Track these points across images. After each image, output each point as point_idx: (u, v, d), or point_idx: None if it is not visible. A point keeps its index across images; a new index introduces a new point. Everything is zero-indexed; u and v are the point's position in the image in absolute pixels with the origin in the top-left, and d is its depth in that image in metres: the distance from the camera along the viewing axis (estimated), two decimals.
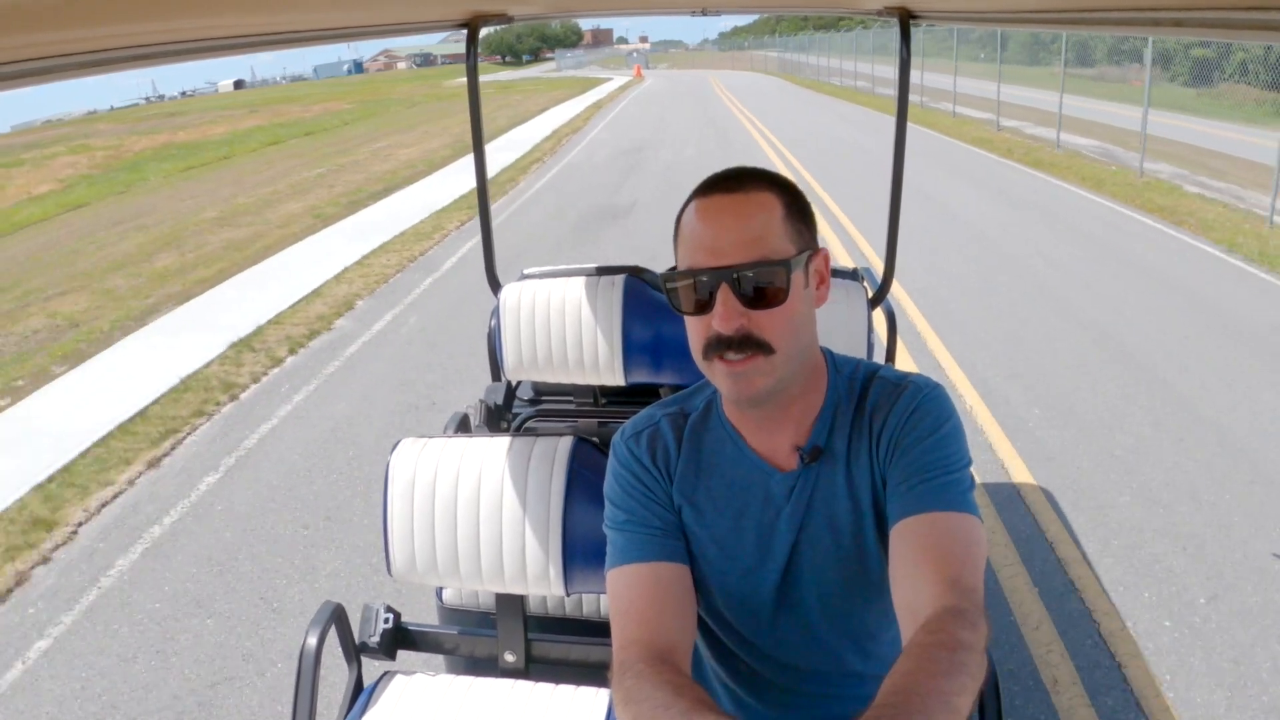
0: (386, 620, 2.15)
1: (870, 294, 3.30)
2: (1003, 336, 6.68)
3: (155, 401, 6.46)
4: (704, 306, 1.24)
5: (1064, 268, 8.58)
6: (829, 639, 1.39)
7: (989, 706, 1.72)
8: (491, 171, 13.90)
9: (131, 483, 5.26)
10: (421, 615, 2.62)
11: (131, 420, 6.13)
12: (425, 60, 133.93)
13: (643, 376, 3.23)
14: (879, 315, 3.36)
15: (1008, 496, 4.46)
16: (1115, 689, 3.14)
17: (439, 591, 2.60)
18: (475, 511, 2.03)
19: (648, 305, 3.21)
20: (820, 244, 1.34)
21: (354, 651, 2.13)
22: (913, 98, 30.56)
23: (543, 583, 2.02)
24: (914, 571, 1.18)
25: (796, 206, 1.29)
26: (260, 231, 13.57)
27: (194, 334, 8.15)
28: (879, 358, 3.31)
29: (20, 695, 3.52)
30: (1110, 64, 19.35)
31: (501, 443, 2.09)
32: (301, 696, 1.91)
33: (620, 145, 20.14)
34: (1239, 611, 3.52)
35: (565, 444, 2.05)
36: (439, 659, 2.42)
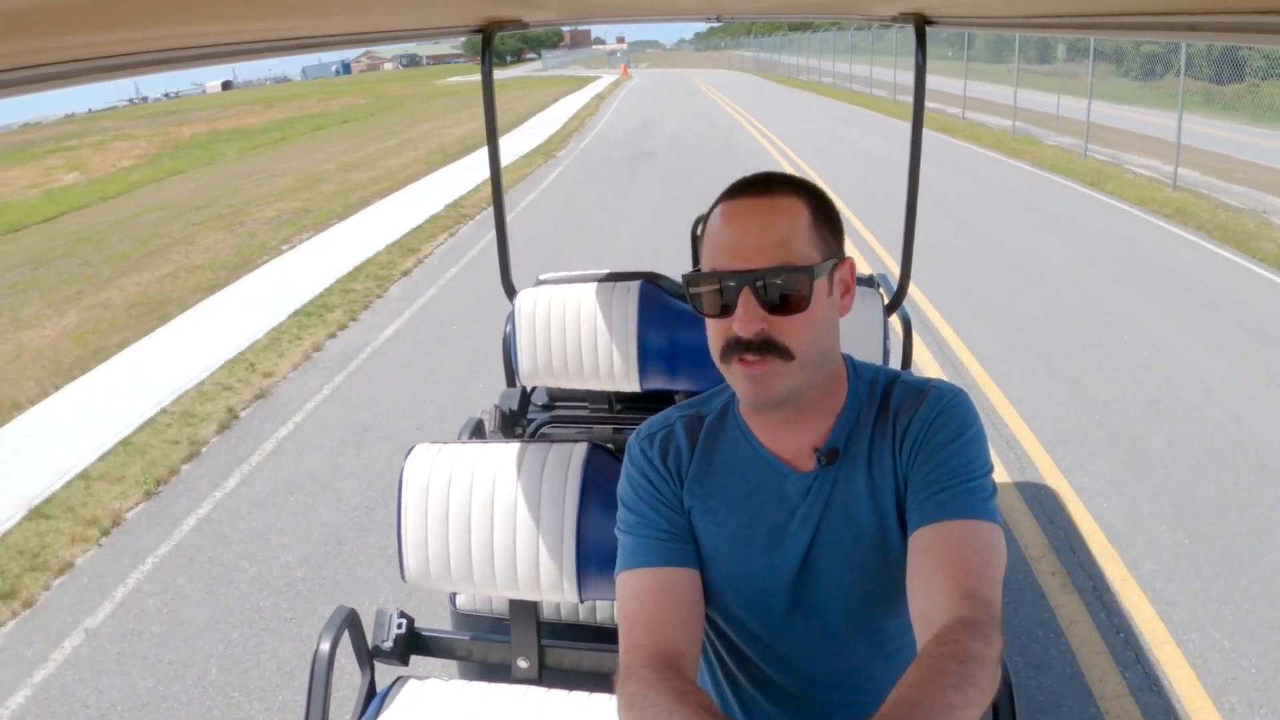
0: (400, 625, 2.14)
1: (886, 300, 3.29)
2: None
3: (407, 234, 12.07)
4: (726, 310, 1.24)
5: (930, 178, 12.65)
6: (849, 643, 1.38)
7: (1004, 716, 1.71)
8: (543, 138, 23.05)
9: (406, 272, 10.12)
10: (434, 621, 2.62)
11: (396, 241, 11.63)
12: (411, 61, 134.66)
13: (658, 383, 3.22)
14: (895, 322, 3.35)
15: None
16: None
17: (452, 597, 2.59)
18: (489, 517, 2.03)
19: (663, 311, 3.20)
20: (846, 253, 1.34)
21: (367, 656, 2.12)
22: (864, 89, 30.66)
23: (556, 589, 2.01)
24: (931, 581, 1.17)
25: (823, 214, 1.29)
26: (389, 172, 18.38)
27: (409, 207, 14.12)
28: (894, 364, 3.30)
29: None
30: (1068, 60, 21.48)
31: (516, 449, 2.08)
32: (314, 701, 1.91)
33: (631, 122, 26.03)
34: None
35: (580, 450, 2.05)
36: (452, 665, 2.41)
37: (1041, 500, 4.43)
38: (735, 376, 1.27)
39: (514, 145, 20.93)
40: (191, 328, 8.61)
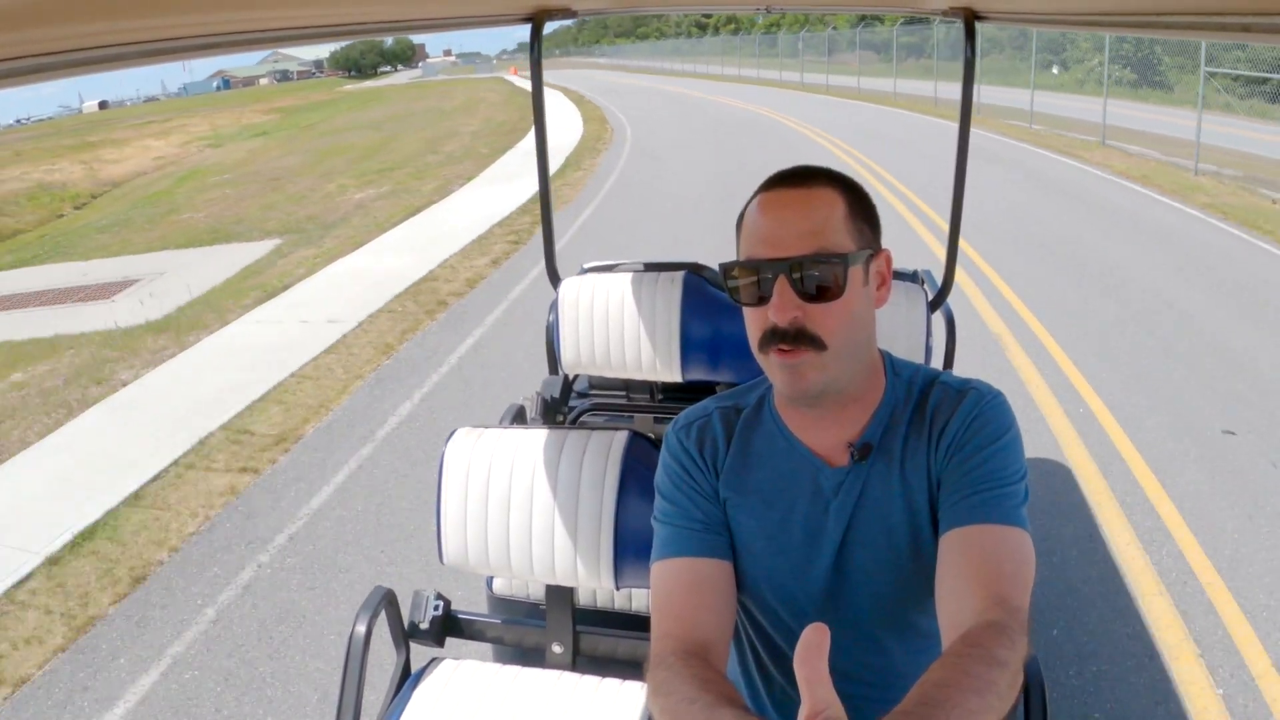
0: (437, 607, 2.16)
1: (930, 297, 3.26)
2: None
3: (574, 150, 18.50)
4: (762, 299, 1.25)
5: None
6: (880, 638, 1.38)
7: (1035, 717, 1.69)
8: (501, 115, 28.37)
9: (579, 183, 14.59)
10: (470, 604, 2.64)
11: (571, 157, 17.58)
12: (284, 76, 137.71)
13: (700, 374, 3.22)
14: (938, 319, 3.33)
15: None
16: None
17: (489, 581, 2.61)
18: (528, 503, 2.04)
19: (707, 302, 3.20)
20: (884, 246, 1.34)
21: (403, 637, 2.15)
22: (781, 86, 34.77)
23: (593, 576, 2.02)
24: (960, 583, 1.18)
25: (860, 206, 1.30)
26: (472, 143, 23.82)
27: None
28: (936, 363, 3.27)
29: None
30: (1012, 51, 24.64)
31: (557, 436, 2.09)
32: (349, 679, 1.94)
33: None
34: None
35: (620, 439, 2.05)
36: (486, 648, 2.43)
37: None
38: (772, 367, 1.28)
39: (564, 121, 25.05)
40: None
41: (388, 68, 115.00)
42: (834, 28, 36.27)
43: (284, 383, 6.56)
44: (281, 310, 8.68)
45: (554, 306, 3.37)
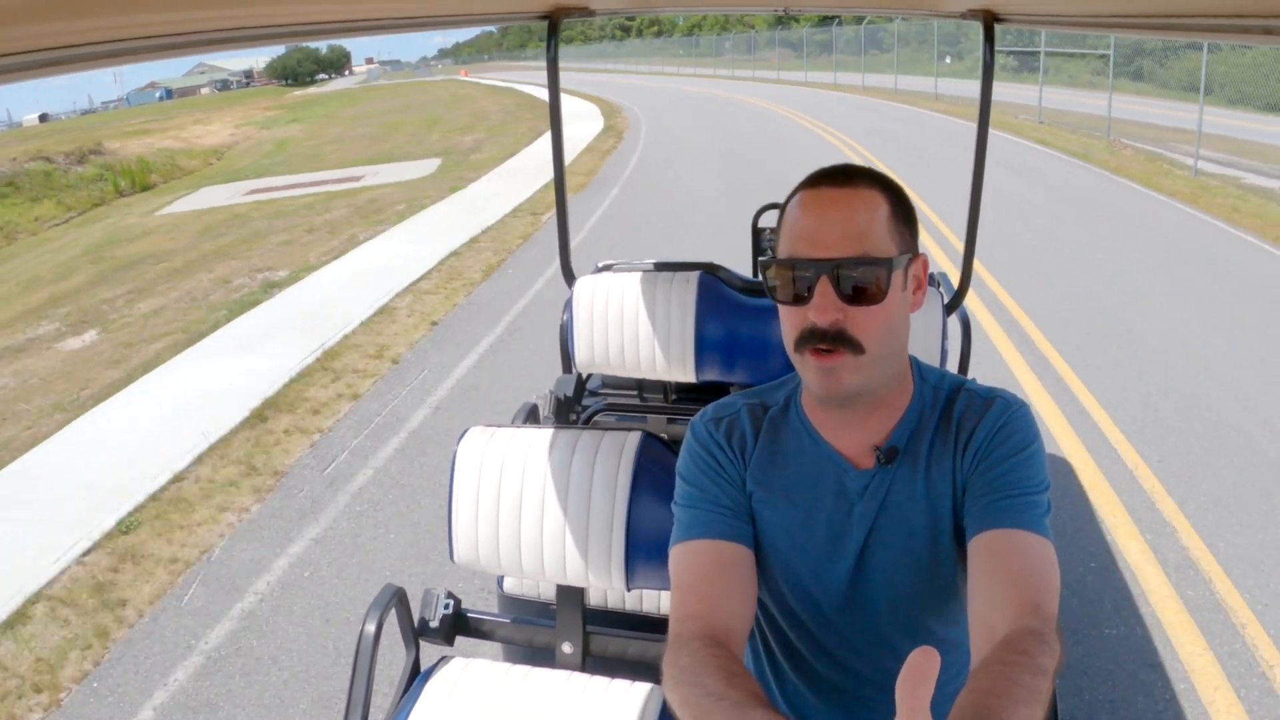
0: (447, 606, 2.16)
1: (946, 300, 3.25)
2: None
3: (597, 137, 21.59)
4: (801, 298, 1.24)
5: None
6: (896, 643, 1.37)
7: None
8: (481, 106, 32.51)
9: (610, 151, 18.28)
10: (480, 602, 2.64)
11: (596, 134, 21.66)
12: (224, 85, 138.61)
13: (714, 374, 3.21)
14: (954, 322, 3.31)
15: None
16: None
17: (500, 580, 2.61)
18: (540, 502, 2.04)
19: (722, 303, 3.19)
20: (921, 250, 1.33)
21: (413, 635, 2.15)
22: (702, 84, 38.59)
23: (604, 577, 2.01)
24: (994, 586, 1.17)
25: (901, 208, 1.29)
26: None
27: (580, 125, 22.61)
28: (951, 366, 3.26)
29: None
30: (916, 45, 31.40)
31: (570, 435, 2.08)
32: (359, 677, 1.93)
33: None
34: None
35: (634, 439, 2.04)
36: (496, 646, 2.43)
37: None
38: (807, 367, 1.27)
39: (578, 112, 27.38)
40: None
41: (323, 75, 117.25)
42: (754, 29, 45.97)
43: (520, 205, 13.06)
44: (500, 178, 16.04)
45: (568, 305, 3.36)
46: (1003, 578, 1.17)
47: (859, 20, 31.81)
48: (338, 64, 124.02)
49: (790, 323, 1.27)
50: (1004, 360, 6.11)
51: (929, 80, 26.89)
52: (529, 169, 16.46)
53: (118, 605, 4.01)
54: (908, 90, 27.42)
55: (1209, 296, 7.39)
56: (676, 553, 1.35)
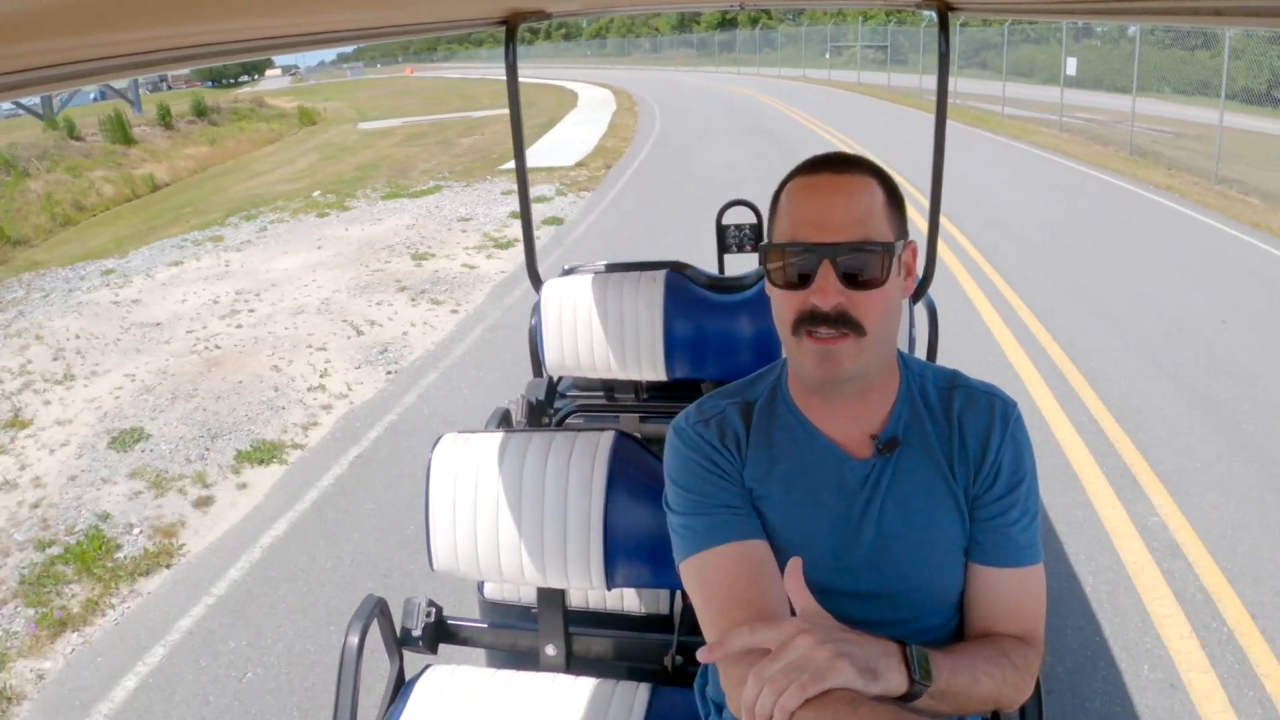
0: (429, 614, 2.16)
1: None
2: None
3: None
4: (803, 281, 1.25)
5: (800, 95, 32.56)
6: (913, 628, 1.35)
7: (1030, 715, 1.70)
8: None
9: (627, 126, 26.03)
10: (462, 609, 2.63)
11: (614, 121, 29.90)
12: (155, 87, 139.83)
13: (685, 372, 3.22)
14: (920, 310, 3.33)
15: None
16: None
17: (480, 585, 2.61)
18: (517, 506, 2.03)
19: (689, 300, 3.20)
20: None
21: (396, 645, 2.14)
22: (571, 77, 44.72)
23: (584, 577, 2.02)
24: (988, 616, 1.33)
25: (894, 196, 1.31)
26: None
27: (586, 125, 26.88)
28: (919, 353, 3.28)
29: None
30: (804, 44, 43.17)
31: (543, 437, 2.08)
32: (344, 690, 1.92)
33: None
34: None
35: (607, 439, 2.05)
36: (480, 653, 2.43)
37: None
38: (804, 351, 1.27)
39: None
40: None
41: (246, 78, 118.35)
42: (658, 31, 52.87)
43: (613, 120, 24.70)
44: (580, 116, 26.91)
45: (536, 309, 3.36)
46: (996, 615, 1.32)
47: (753, 23, 40.96)
48: (259, 67, 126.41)
49: (787, 306, 1.27)
50: None
51: (812, 70, 39.77)
52: (589, 115, 26.27)
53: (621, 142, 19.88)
54: (790, 76, 39.73)
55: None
56: (694, 564, 1.32)
